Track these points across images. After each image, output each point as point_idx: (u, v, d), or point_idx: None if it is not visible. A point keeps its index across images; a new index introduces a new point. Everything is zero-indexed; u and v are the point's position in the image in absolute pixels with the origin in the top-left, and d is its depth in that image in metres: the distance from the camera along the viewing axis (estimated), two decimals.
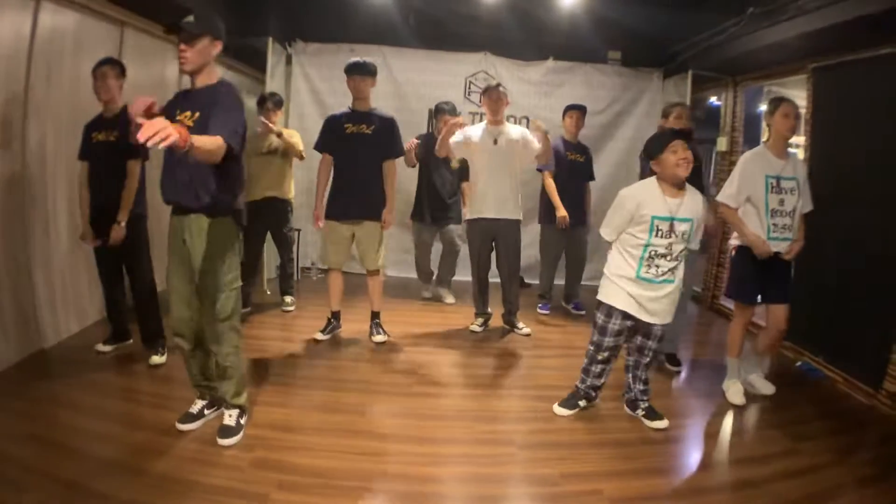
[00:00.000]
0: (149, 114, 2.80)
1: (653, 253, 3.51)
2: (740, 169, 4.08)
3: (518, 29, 6.89)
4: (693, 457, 3.58)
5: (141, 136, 2.35)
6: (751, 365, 4.44)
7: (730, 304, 6.42)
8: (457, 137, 5.10)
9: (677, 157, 3.41)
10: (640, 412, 3.90)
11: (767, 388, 4.36)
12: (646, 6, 6.05)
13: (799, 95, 5.61)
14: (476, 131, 5.24)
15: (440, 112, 6.14)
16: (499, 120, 5.18)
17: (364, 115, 4.87)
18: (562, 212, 5.83)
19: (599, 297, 3.77)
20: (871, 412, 4.20)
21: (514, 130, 5.23)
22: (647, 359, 3.84)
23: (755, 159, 4.07)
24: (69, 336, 4.75)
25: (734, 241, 4.23)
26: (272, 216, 5.74)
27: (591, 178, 6.31)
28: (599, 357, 3.82)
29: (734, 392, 4.23)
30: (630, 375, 3.93)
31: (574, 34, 6.86)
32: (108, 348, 4.50)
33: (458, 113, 6.23)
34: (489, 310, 5.61)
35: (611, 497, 3.03)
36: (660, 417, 3.82)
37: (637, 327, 3.75)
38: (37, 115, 4.36)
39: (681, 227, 3.48)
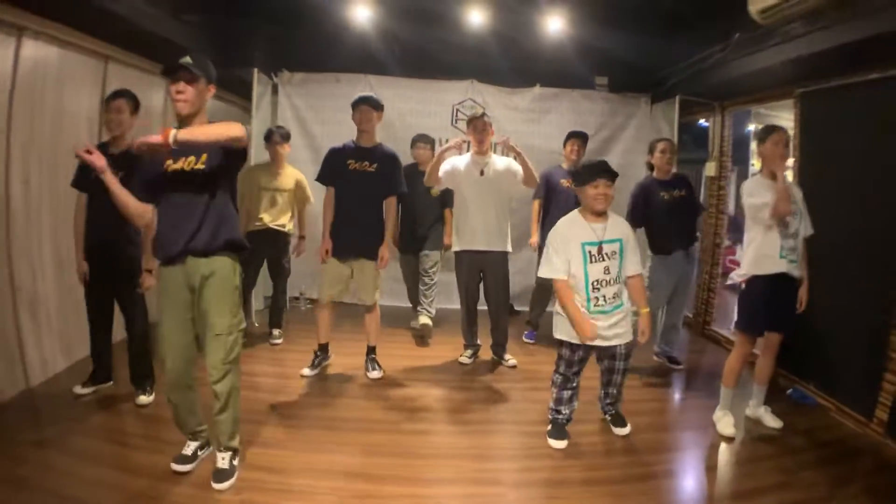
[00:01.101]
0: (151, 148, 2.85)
1: (595, 283, 3.70)
2: (755, 192, 4.02)
3: (504, 56, 6.88)
4: (682, 493, 3.54)
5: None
6: (759, 397, 4.39)
7: (722, 329, 6.45)
8: (444, 167, 5.09)
9: (597, 192, 3.69)
10: (607, 416, 4.21)
11: (776, 422, 4.29)
12: (632, 33, 6.04)
13: (787, 118, 5.63)
14: (462, 161, 5.21)
15: (415, 143, 6.31)
16: (484, 150, 5.16)
17: (367, 152, 4.84)
18: (534, 238, 5.94)
19: (556, 335, 3.93)
20: (863, 441, 4.17)
21: (499, 161, 5.20)
22: (617, 380, 4.03)
23: (761, 184, 4.04)
24: (56, 374, 4.70)
25: (741, 272, 4.14)
26: (272, 247, 5.73)
27: None
28: (568, 385, 3.99)
29: (725, 423, 4.18)
30: (602, 391, 4.17)
31: (560, 61, 6.83)
32: (86, 391, 4.38)
33: (424, 137, 6.37)
34: (478, 342, 5.57)
35: None
36: (623, 424, 4.11)
37: (601, 354, 3.93)
38: (20, 150, 4.33)
39: (610, 248, 3.71)
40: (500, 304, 5.34)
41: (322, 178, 4.95)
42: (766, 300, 4.06)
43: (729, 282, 4.36)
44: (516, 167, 5.10)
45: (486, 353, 5.60)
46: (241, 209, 5.28)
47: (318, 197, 5.68)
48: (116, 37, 4.99)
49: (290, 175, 5.77)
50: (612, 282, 3.71)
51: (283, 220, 5.74)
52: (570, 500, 3.32)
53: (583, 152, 6.09)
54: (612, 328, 3.74)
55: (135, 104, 4.20)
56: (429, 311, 6.29)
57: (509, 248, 5.27)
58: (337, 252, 4.86)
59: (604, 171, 3.69)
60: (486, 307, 5.47)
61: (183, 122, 3.10)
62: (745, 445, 4.08)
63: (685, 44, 6.22)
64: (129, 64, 5.41)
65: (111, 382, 4.53)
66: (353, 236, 4.81)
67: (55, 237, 4.67)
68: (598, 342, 3.75)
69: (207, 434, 3.55)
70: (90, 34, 4.83)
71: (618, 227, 3.80)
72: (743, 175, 8.82)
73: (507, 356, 5.47)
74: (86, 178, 4.11)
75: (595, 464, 3.74)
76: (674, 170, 5.51)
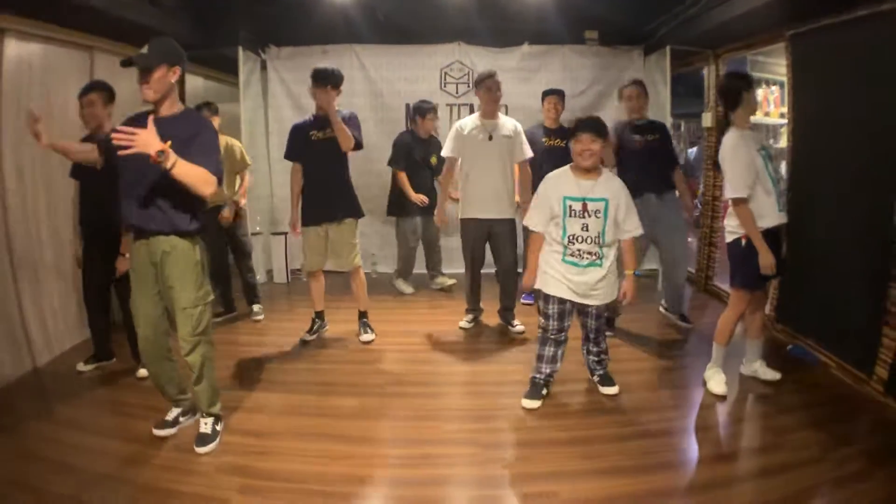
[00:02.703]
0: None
1: (571, 237, 3.71)
2: (737, 155, 3.90)
3: (489, 16, 6.77)
4: (663, 455, 3.37)
5: (115, 137, 2.79)
6: (753, 352, 4.32)
7: (724, 285, 6.34)
8: (451, 134, 5.16)
9: (581, 147, 3.66)
10: (595, 377, 4.17)
11: (773, 375, 4.22)
12: None
13: (783, 64, 5.51)
14: (468, 124, 5.13)
15: (421, 112, 6.30)
16: (493, 112, 5.09)
17: (326, 119, 4.81)
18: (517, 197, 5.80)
19: (536, 285, 3.95)
20: (862, 400, 3.97)
21: (508, 123, 5.13)
22: (593, 336, 4.06)
23: (743, 139, 3.92)
24: (62, 353, 4.88)
25: (742, 230, 3.96)
26: (220, 226, 5.63)
27: None
28: (548, 341, 3.97)
29: (717, 381, 4.08)
30: (583, 347, 4.20)
31: (547, 17, 6.68)
32: (88, 368, 4.53)
33: (435, 106, 6.36)
34: (480, 306, 5.55)
35: (566, 499, 2.96)
36: (611, 384, 4.09)
37: (578, 309, 3.94)
38: (11, 145, 4.44)
39: (593, 206, 3.67)
40: (509, 268, 5.28)
41: (288, 154, 5.02)
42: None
43: (729, 239, 4.18)
44: (523, 137, 5.13)
45: (490, 319, 5.58)
46: None
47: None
48: (98, 28, 5.06)
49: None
50: (588, 240, 3.68)
51: (224, 196, 5.56)
52: (542, 461, 3.29)
53: (561, 108, 6.01)
54: (586, 286, 3.74)
55: (108, 95, 4.24)
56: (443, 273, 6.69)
57: (514, 215, 5.21)
58: (313, 220, 4.93)
59: (587, 127, 3.65)
60: (490, 272, 5.51)
61: (154, 106, 3.21)
62: (738, 405, 3.98)
63: None
64: (114, 53, 5.42)
65: (113, 359, 4.66)
66: (325, 202, 4.89)
67: (53, 224, 4.81)
68: (571, 296, 3.76)
69: (190, 402, 3.67)
70: (71, 27, 4.90)
71: (607, 186, 3.72)
72: None
73: (515, 322, 5.39)
74: (77, 166, 4.25)
75: (572, 424, 3.70)
76: (649, 116, 5.40)
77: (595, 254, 3.70)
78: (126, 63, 3.10)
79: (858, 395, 4.04)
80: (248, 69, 6.75)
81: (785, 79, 5.34)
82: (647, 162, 5.13)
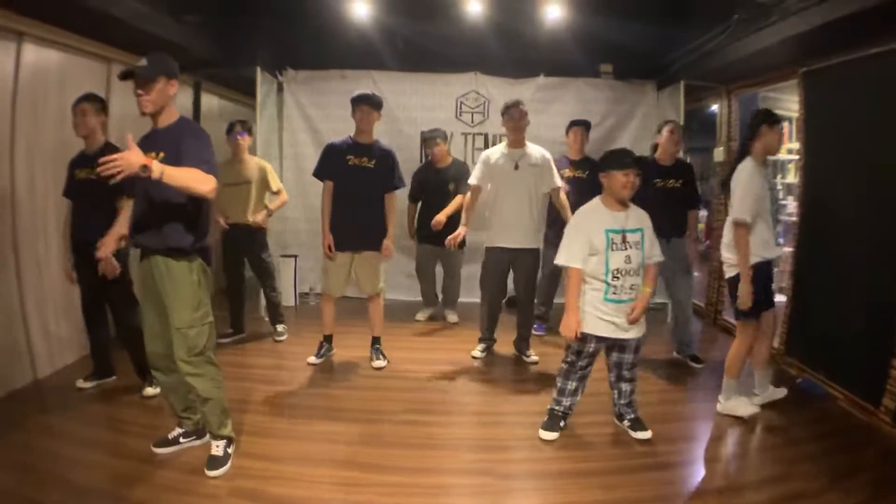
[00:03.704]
0: None
1: (615, 271, 3.62)
2: (751, 182, 4.00)
3: (506, 47, 6.87)
4: (682, 485, 3.44)
5: (101, 168, 2.73)
6: (761, 384, 4.40)
7: (732, 318, 6.35)
8: (478, 164, 5.21)
9: (626, 180, 3.62)
10: (626, 423, 3.99)
11: (781, 393, 4.37)
12: (634, 19, 6.01)
13: (794, 100, 5.56)
14: (495, 153, 5.16)
15: (425, 142, 6.49)
16: (519, 140, 5.10)
17: (366, 148, 4.88)
18: None
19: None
20: (870, 430, 4.07)
21: (535, 152, 5.13)
22: (627, 373, 3.92)
23: (756, 171, 4.03)
24: (65, 366, 4.86)
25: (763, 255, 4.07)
26: (245, 244, 5.68)
27: (601, 192, 6.11)
28: (573, 376, 3.92)
29: (743, 404, 4.17)
30: (614, 391, 4.02)
31: (563, 49, 6.80)
32: (88, 385, 4.50)
33: (446, 135, 6.37)
34: (494, 336, 5.51)
35: None
36: (644, 428, 3.90)
37: (612, 345, 3.83)
38: (25, 153, 4.46)
39: (632, 237, 3.67)
40: (528, 299, 5.29)
41: (319, 173, 4.98)
42: (765, 284, 4.08)
43: (730, 273, 4.23)
44: (552, 165, 5.12)
45: (502, 348, 5.55)
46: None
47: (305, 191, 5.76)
48: (118, 40, 5.10)
49: (252, 166, 5.67)
50: (632, 272, 3.65)
51: (251, 215, 5.65)
52: (562, 491, 3.30)
53: (586, 140, 6.06)
54: (626, 320, 3.68)
55: (100, 105, 4.27)
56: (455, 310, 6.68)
57: (540, 245, 5.23)
58: (339, 246, 4.90)
59: (633, 161, 3.66)
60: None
61: (151, 118, 3.25)
62: (749, 437, 4.03)
63: (687, 27, 6.17)
64: (132, 66, 5.41)
65: (114, 377, 4.62)
66: (353, 231, 4.87)
67: (61, 235, 4.72)
68: (613, 333, 3.70)
69: (194, 423, 3.65)
70: (91, 38, 4.93)
71: (638, 217, 3.75)
72: None
73: (529, 351, 5.39)
74: (70, 185, 4.31)
75: (591, 455, 3.71)
76: (680, 155, 5.43)
77: (635, 287, 3.67)
78: (126, 75, 3.15)
79: (866, 427, 4.14)
80: (265, 91, 6.75)
81: (794, 115, 5.40)
82: (662, 207, 5.03)
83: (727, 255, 4.15)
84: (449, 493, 3.29)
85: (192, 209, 3.24)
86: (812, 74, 5.08)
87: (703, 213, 9.74)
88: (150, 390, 4.35)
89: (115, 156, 2.77)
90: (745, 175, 4.04)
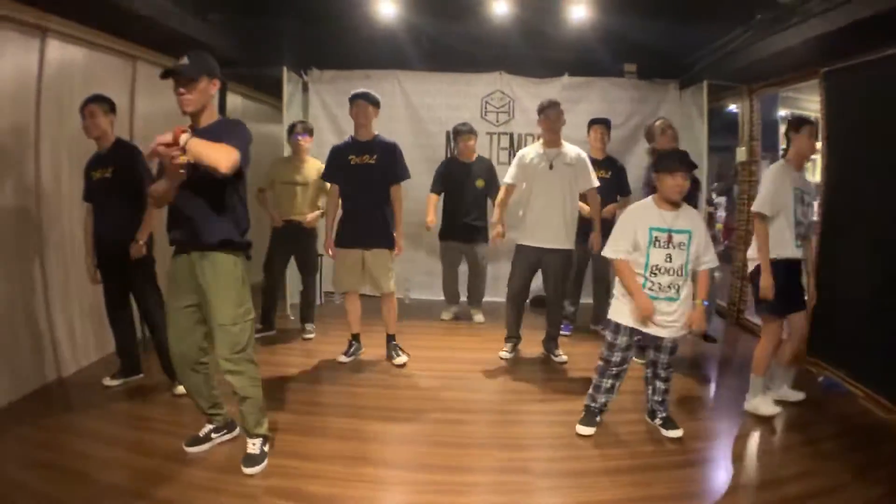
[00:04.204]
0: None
1: (654, 268, 3.69)
2: (775, 180, 4.16)
3: (531, 47, 6.91)
4: (712, 482, 3.51)
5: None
6: (781, 379, 4.44)
7: (755, 318, 6.39)
8: (514, 162, 5.26)
9: (674, 182, 3.64)
10: (657, 421, 4.03)
11: (797, 396, 4.39)
12: (658, 19, 6.04)
13: (814, 100, 5.59)
14: (530, 152, 5.19)
15: (456, 134, 6.34)
16: (555, 140, 5.13)
17: (366, 145, 4.94)
18: None
19: (608, 315, 3.94)
20: (890, 427, 4.13)
21: (570, 152, 5.15)
22: (663, 372, 3.94)
23: (783, 173, 4.16)
24: (88, 365, 4.88)
25: (782, 255, 4.18)
26: (295, 241, 5.76)
27: (626, 192, 6.16)
28: (608, 373, 3.94)
29: (765, 404, 4.22)
30: (649, 388, 4.06)
31: (588, 49, 6.84)
32: (115, 382, 4.53)
33: (471, 127, 6.37)
34: (520, 333, 5.50)
35: None
36: (675, 427, 3.93)
37: (646, 342, 3.91)
38: (50, 150, 4.49)
39: (678, 238, 3.68)
40: (558, 299, 5.30)
41: (325, 175, 5.14)
42: (786, 282, 4.12)
43: (752, 268, 4.31)
44: (588, 166, 5.16)
45: (530, 348, 5.58)
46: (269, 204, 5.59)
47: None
48: (143, 37, 5.13)
49: (311, 167, 5.78)
50: (671, 271, 3.68)
51: (305, 214, 5.75)
52: (598, 489, 3.32)
53: (608, 138, 6.10)
54: (662, 317, 3.71)
55: (108, 106, 4.27)
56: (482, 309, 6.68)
57: (572, 246, 5.20)
58: (347, 243, 4.97)
59: (685, 163, 3.68)
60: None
61: (191, 119, 3.25)
62: (772, 435, 4.08)
63: (711, 27, 6.19)
64: (157, 64, 5.49)
65: (141, 375, 4.67)
66: (361, 227, 4.93)
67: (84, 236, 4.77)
68: (640, 326, 3.76)
69: (224, 418, 3.67)
70: (116, 34, 4.96)
71: (689, 218, 3.76)
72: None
73: (558, 351, 5.41)
74: (88, 188, 4.34)
75: (626, 452, 3.74)
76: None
77: (673, 286, 3.70)
78: (168, 73, 3.13)
79: (886, 424, 4.20)
80: (290, 90, 6.79)
81: (814, 115, 5.41)
82: None
83: (751, 251, 4.26)
84: (485, 491, 3.29)
85: (237, 202, 3.27)
86: (834, 74, 5.10)
87: (721, 213, 9.81)
88: (180, 388, 4.25)
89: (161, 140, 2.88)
90: (771, 173, 4.23)
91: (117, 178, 4.19)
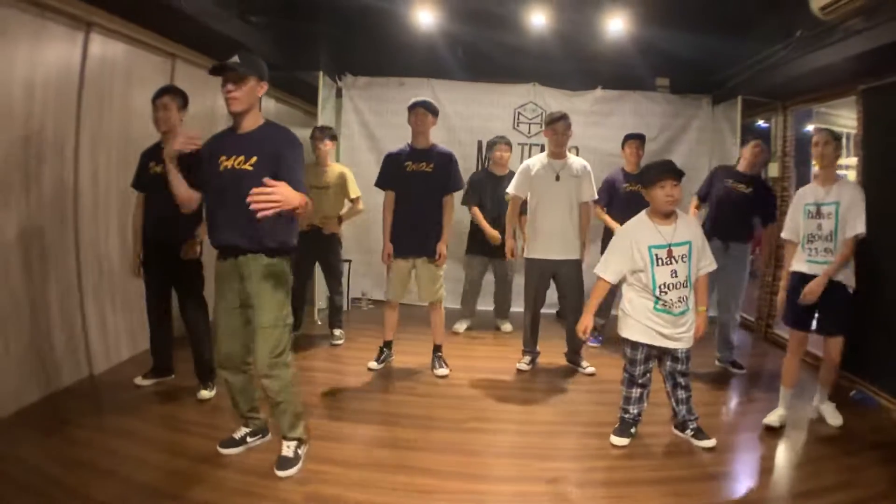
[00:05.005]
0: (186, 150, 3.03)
1: (662, 286, 3.70)
2: (793, 202, 4.35)
3: (566, 58, 6.93)
4: (747, 492, 3.47)
5: (254, 205, 2.71)
6: (819, 396, 4.42)
7: (784, 332, 6.37)
8: (519, 173, 5.22)
9: (664, 193, 3.66)
10: (688, 433, 3.99)
11: (836, 419, 4.31)
12: (692, 33, 6.02)
13: (848, 116, 5.58)
14: (536, 164, 5.18)
15: (490, 145, 6.41)
16: (561, 153, 5.13)
17: (424, 153, 4.93)
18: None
19: (620, 332, 3.96)
20: None
21: (576, 164, 5.16)
22: (682, 380, 3.95)
23: (801, 193, 4.30)
24: (120, 363, 4.89)
25: (793, 268, 4.28)
26: (320, 246, 5.74)
27: None
28: (634, 385, 3.96)
29: (776, 416, 4.23)
30: (673, 400, 4.03)
31: (621, 62, 6.87)
32: (147, 382, 4.52)
33: (504, 138, 6.41)
34: (537, 348, 5.48)
35: None
36: (707, 437, 3.91)
37: (663, 355, 3.92)
38: (89, 145, 4.49)
39: (679, 251, 3.69)
40: (576, 311, 5.12)
41: (381, 183, 5.06)
42: (794, 295, 4.18)
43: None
44: (590, 179, 5.17)
45: (547, 360, 5.55)
46: None
47: (371, 199, 5.89)
48: (183, 35, 5.16)
49: (333, 171, 5.79)
50: (679, 285, 3.69)
51: (331, 219, 5.74)
52: (635, 499, 3.32)
53: (642, 153, 6.09)
54: (677, 329, 3.75)
55: (182, 100, 4.24)
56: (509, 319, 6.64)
57: (581, 256, 5.20)
58: (400, 252, 4.94)
59: (670, 171, 3.69)
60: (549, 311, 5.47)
61: (236, 118, 3.24)
62: (807, 446, 4.07)
63: (746, 43, 6.20)
64: (196, 63, 5.57)
65: (172, 376, 4.65)
66: (414, 236, 4.90)
67: (123, 230, 4.85)
68: (660, 342, 3.78)
69: (261, 423, 3.67)
70: (157, 32, 4.98)
71: (686, 228, 3.77)
72: None
73: (584, 363, 5.35)
74: (143, 177, 4.30)
75: (661, 463, 3.72)
76: (763, 175, 5.55)
77: (683, 299, 3.71)
78: (220, 68, 3.12)
79: None
80: (324, 96, 6.81)
81: (845, 131, 5.41)
82: (727, 209, 5.31)
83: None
84: (523, 501, 3.30)
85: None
86: (872, 92, 5.08)
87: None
88: (205, 393, 4.35)
89: (269, 190, 2.74)
90: (799, 191, 4.40)
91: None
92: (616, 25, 6.02)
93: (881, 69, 4.79)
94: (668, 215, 3.74)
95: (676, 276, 3.68)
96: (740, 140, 6.73)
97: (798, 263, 4.22)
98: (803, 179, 7.16)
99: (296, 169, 3.17)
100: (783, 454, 3.97)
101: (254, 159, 3.14)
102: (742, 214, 5.37)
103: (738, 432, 4.34)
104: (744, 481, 3.62)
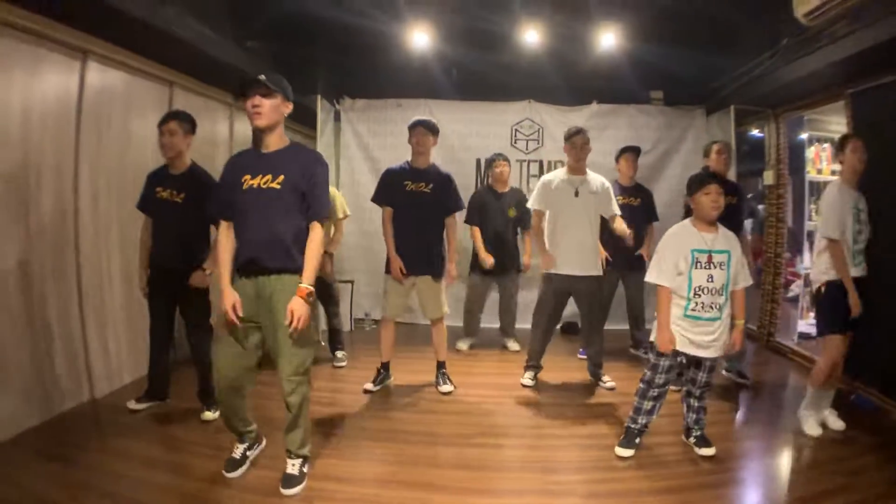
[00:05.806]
0: None
1: (697, 289, 3.74)
2: (837, 201, 4.21)
3: (560, 75, 7.04)
4: (751, 500, 3.55)
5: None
6: (824, 400, 4.42)
7: (786, 340, 6.41)
8: (538, 187, 5.22)
9: (709, 199, 3.73)
10: (691, 439, 4.06)
11: (839, 425, 4.35)
12: (683, 46, 6.12)
13: (839, 122, 5.64)
14: (555, 179, 5.17)
15: (488, 162, 6.49)
16: (581, 168, 5.13)
17: (423, 173, 4.93)
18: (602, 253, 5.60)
19: (651, 338, 3.96)
20: None
21: (595, 180, 5.15)
22: (699, 391, 3.99)
23: (845, 191, 4.24)
24: (122, 386, 4.88)
25: (823, 277, 4.26)
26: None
27: (653, 218, 6.23)
28: (650, 394, 3.97)
29: (811, 424, 4.27)
30: (685, 404, 4.10)
31: (615, 77, 6.96)
32: (140, 406, 4.45)
33: (502, 154, 6.45)
34: (541, 363, 5.44)
35: None
36: (708, 445, 3.96)
37: (688, 361, 3.93)
38: (88, 171, 4.51)
39: (718, 258, 3.75)
40: (596, 327, 5.25)
41: (378, 199, 5.03)
42: (845, 301, 4.15)
43: (790, 294, 4.36)
44: (611, 193, 5.17)
45: (556, 374, 5.57)
46: None
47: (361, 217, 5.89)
48: (181, 62, 5.21)
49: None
50: (713, 291, 3.73)
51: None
52: None
53: (636, 166, 6.14)
54: (705, 335, 3.77)
55: (189, 125, 4.26)
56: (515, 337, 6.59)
57: (601, 272, 5.18)
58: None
59: (713, 178, 3.78)
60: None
61: (261, 133, 3.27)
62: (808, 451, 4.10)
63: (736, 53, 6.30)
64: (193, 90, 5.62)
65: (167, 400, 4.60)
66: (414, 256, 4.88)
67: (124, 255, 4.85)
68: (689, 349, 3.80)
69: (254, 434, 3.67)
70: (154, 59, 5.02)
71: (727, 239, 3.82)
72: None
73: (605, 378, 5.31)
74: (149, 201, 4.29)
75: (666, 473, 3.74)
76: (731, 176, 5.51)
77: (716, 306, 3.74)
78: (250, 81, 3.16)
79: None
80: (322, 119, 6.91)
81: (836, 136, 5.45)
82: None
83: (814, 273, 4.37)
84: None
85: (307, 228, 3.29)
86: (860, 95, 5.15)
87: (749, 236, 9.80)
88: (208, 415, 4.34)
89: (295, 321, 3.13)
90: (831, 194, 4.27)
91: (189, 206, 4.13)
92: (608, 41, 6.12)
93: (867, 72, 4.87)
94: (711, 223, 3.80)
95: (712, 282, 3.73)
96: (735, 149, 6.77)
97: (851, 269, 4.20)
98: (798, 187, 7.19)
99: (324, 188, 3.28)
100: (785, 461, 4.04)
101: (281, 178, 3.18)
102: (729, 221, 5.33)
103: (743, 440, 4.38)
104: (746, 489, 3.67)
